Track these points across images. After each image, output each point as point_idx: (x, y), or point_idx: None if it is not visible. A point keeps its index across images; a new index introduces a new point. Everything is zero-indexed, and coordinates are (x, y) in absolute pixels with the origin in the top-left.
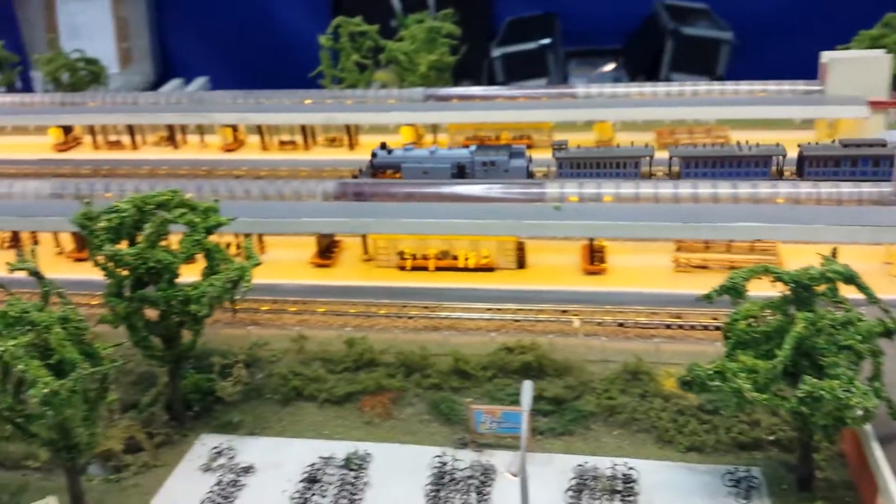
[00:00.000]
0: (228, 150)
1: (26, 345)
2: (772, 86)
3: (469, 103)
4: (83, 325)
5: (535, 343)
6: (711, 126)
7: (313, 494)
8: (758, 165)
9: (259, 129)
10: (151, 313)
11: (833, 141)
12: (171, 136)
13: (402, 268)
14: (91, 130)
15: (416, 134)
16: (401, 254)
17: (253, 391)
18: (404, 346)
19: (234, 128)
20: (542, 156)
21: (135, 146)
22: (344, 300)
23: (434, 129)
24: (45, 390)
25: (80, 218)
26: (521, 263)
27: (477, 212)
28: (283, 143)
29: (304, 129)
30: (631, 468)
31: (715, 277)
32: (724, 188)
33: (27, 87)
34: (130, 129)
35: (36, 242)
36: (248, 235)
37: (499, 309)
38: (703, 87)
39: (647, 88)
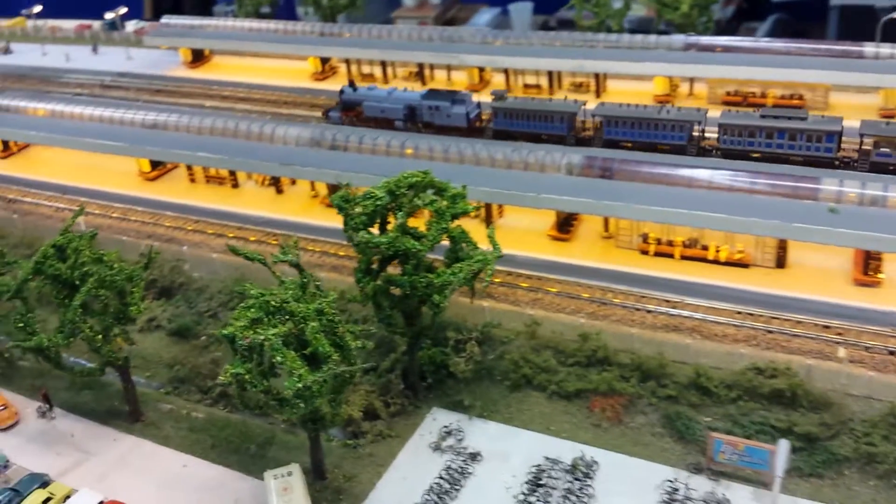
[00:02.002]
0: (473, 90)
1: (284, 334)
2: None
3: (734, 55)
4: (336, 319)
5: (790, 367)
6: None
7: (537, 500)
8: (674, 130)
9: (505, 71)
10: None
11: (755, 110)
12: (420, 72)
13: (645, 252)
14: (346, 62)
15: (671, 84)
16: (644, 236)
17: (484, 371)
18: (641, 348)
19: (481, 68)
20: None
21: (385, 79)
22: (579, 281)
23: (691, 79)
24: (300, 385)
25: (338, 200)
26: (780, 262)
27: (738, 206)
28: (527, 85)
29: (550, 72)
30: None
31: None
32: None
33: (289, 7)
34: (383, 63)
35: (293, 183)
36: (489, 223)
37: (750, 314)
38: None
39: None
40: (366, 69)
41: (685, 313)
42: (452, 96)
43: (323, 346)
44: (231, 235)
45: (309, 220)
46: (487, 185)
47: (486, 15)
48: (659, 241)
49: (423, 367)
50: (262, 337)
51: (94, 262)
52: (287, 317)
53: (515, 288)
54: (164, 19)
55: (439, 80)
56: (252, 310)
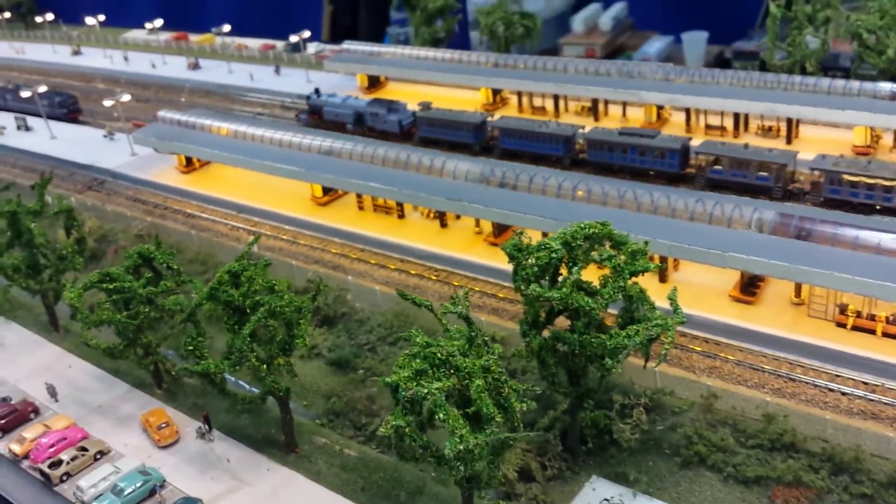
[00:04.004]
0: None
1: (448, 389)
2: None
3: None
4: (503, 378)
5: None
6: None
7: None
8: (554, 142)
9: (686, 111)
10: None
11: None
12: (594, 107)
13: (842, 324)
14: (518, 94)
15: (873, 135)
16: (842, 307)
17: (651, 441)
18: (834, 435)
19: (660, 105)
20: None
21: (557, 114)
22: (763, 351)
23: None
24: (461, 447)
25: (510, 248)
26: None
27: None
28: (709, 127)
29: (737, 114)
30: None
31: None
32: None
33: (463, 34)
34: (555, 96)
35: (458, 217)
36: (664, 277)
37: None
38: None
39: None
40: (537, 102)
41: (886, 399)
42: (389, 105)
43: (487, 407)
44: (393, 267)
45: (471, 258)
46: (666, 238)
47: (656, 43)
48: (859, 314)
49: (584, 429)
50: (425, 390)
51: (266, 291)
52: (452, 371)
53: (689, 352)
54: (345, 44)
55: (613, 117)
56: (417, 360)
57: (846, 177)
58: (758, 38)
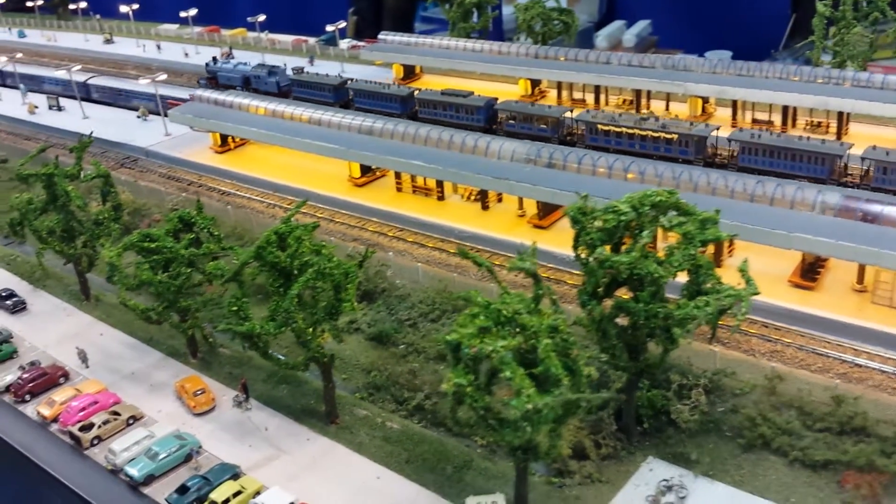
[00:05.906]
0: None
1: (514, 349)
2: None
3: None
4: (571, 340)
5: None
6: None
7: None
8: (392, 101)
9: (733, 104)
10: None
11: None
12: (636, 100)
13: None
14: (558, 85)
15: None
16: None
17: (711, 423)
18: None
19: (705, 99)
20: None
21: (598, 106)
22: (827, 336)
23: None
24: (528, 406)
25: (574, 211)
26: None
27: None
28: (755, 121)
29: (785, 108)
30: None
31: None
32: None
33: (497, 31)
34: (596, 89)
35: (500, 200)
36: (718, 261)
37: None
38: None
39: None
40: (577, 94)
41: None
42: (270, 69)
43: (555, 367)
44: (431, 246)
45: (513, 239)
46: (727, 218)
47: None
48: None
49: (639, 409)
50: (490, 348)
51: (314, 254)
52: (518, 330)
53: (748, 335)
54: (382, 35)
55: (656, 110)
56: (480, 318)
57: (600, 126)
58: (781, 59)
